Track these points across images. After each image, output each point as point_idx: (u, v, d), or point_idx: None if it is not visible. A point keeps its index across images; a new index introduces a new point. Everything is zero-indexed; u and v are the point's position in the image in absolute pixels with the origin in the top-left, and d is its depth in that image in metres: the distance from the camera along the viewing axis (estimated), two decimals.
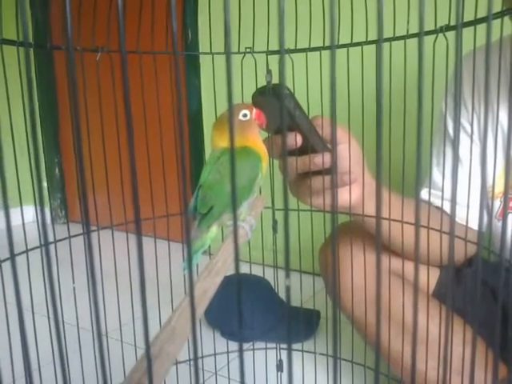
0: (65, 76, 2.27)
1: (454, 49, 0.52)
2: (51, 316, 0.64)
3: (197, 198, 0.57)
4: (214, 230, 0.58)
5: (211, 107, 0.84)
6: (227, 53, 0.18)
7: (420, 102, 0.19)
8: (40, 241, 0.61)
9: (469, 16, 0.52)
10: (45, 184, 2.36)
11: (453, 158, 0.78)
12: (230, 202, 0.56)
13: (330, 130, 0.63)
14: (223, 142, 0.57)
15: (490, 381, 0.63)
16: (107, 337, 0.67)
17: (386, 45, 0.65)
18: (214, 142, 0.59)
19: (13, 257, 0.22)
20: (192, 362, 0.89)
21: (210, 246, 0.81)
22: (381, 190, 0.20)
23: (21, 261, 0.47)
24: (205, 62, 1.79)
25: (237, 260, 0.19)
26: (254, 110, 0.58)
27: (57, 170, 2.52)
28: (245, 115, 0.57)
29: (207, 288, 0.39)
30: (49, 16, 1.99)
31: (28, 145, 0.59)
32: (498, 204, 0.83)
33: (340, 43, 0.70)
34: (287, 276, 0.19)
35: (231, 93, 0.18)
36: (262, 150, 0.58)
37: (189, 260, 0.24)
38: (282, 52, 0.18)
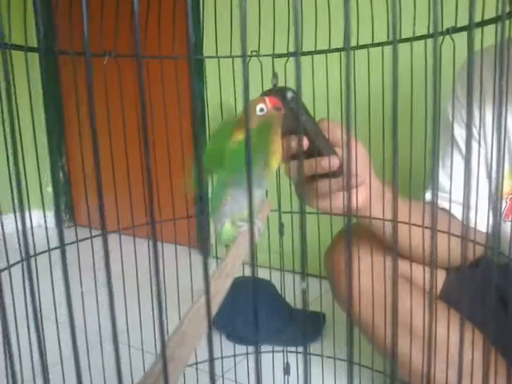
0: (70, 80, 2.28)
1: (459, 51, 0.52)
2: (59, 319, 0.64)
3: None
4: (228, 226, 0.58)
5: (217, 111, 0.84)
6: (243, 56, 0.18)
7: (435, 103, 0.19)
8: (48, 245, 0.61)
9: (476, 17, 0.52)
10: (49, 188, 2.36)
11: (464, 165, 0.78)
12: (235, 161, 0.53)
13: (337, 133, 0.63)
14: (239, 137, 0.57)
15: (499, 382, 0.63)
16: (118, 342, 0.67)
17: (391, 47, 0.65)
18: (232, 139, 0.58)
19: (28, 260, 0.22)
20: (198, 366, 0.89)
21: (216, 249, 0.81)
22: (397, 196, 0.20)
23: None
24: (208, 65, 1.79)
25: (253, 265, 0.19)
26: (268, 99, 0.56)
27: (61, 174, 2.52)
28: (261, 109, 0.56)
29: (217, 291, 0.39)
30: (54, 20, 1.99)
31: (36, 149, 0.59)
32: (504, 204, 0.83)
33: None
34: (303, 279, 0.19)
35: (248, 95, 0.18)
36: (278, 145, 0.57)
37: (204, 263, 0.24)
38: (297, 55, 0.18)
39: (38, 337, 0.22)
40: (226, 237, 0.58)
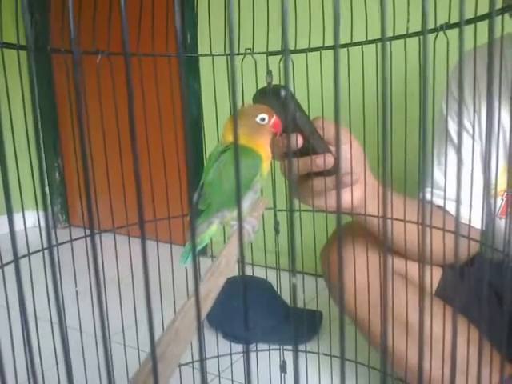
0: (63, 79, 2.26)
1: (454, 47, 0.52)
2: (54, 320, 0.64)
3: (199, 194, 0.57)
4: (214, 227, 0.59)
5: (212, 110, 0.84)
6: (231, 54, 0.18)
7: (424, 100, 0.19)
8: (42, 245, 0.61)
9: (469, 13, 0.52)
10: (46, 188, 2.36)
11: (457, 161, 0.78)
12: (228, 199, 0.56)
13: (332, 131, 0.63)
14: (232, 137, 0.57)
15: (495, 379, 0.63)
16: (110, 340, 0.67)
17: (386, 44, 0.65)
18: (224, 134, 0.59)
19: (17, 260, 0.22)
20: (194, 365, 0.89)
21: (212, 248, 0.81)
22: (387, 193, 0.20)
23: (22, 265, 0.47)
24: (204, 64, 1.79)
25: (243, 262, 0.19)
26: (274, 118, 0.57)
27: (57, 175, 2.52)
28: (262, 119, 0.56)
29: (210, 289, 0.39)
30: (48, 19, 1.98)
31: (29, 149, 0.59)
32: (499, 202, 0.83)
33: (340, 43, 0.70)
34: (293, 274, 0.18)
35: (235, 93, 0.18)
36: (266, 153, 0.57)
37: (193, 259, 0.24)
38: (285, 54, 0.18)
39: (28, 338, 0.22)
40: (208, 239, 0.59)
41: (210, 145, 0.75)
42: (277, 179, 0.79)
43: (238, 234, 0.53)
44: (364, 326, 0.85)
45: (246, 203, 0.58)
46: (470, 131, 0.82)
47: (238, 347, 1.17)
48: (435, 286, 0.87)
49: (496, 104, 0.70)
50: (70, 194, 2.55)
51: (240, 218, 0.19)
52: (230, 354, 0.99)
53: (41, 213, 0.81)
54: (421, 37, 0.64)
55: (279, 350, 0.95)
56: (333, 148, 0.64)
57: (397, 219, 0.71)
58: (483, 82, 0.76)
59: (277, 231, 0.83)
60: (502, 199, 0.83)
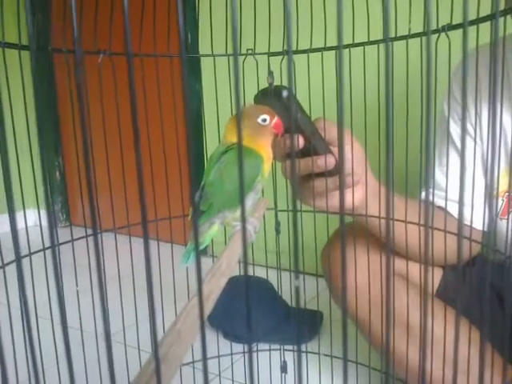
0: (65, 79, 2.26)
1: (456, 48, 0.52)
2: (54, 319, 0.64)
3: (200, 195, 0.57)
4: (215, 228, 0.59)
5: (213, 110, 0.84)
6: (234, 54, 0.18)
7: (428, 101, 0.19)
8: (43, 244, 0.61)
9: (471, 15, 0.52)
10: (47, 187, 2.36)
11: (460, 164, 0.78)
12: (229, 200, 0.56)
13: (333, 132, 0.63)
14: (233, 138, 0.57)
15: (497, 382, 0.63)
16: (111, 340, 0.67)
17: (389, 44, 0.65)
18: (226, 135, 0.59)
19: (19, 260, 0.22)
20: (195, 364, 0.89)
21: (213, 248, 0.81)
22: (390, 194, 0.20)
23: (23, 264, 0.47)
24: (205, 64, 1.79)
25: (245, 263, 0.19)
26: (276, 119, 0.57)
27: (57, 174, 2.52)
28: (264, 120, 0.57)
29: (212, 290, 0.39)
30: (49, 18, 1.99)
31: (30, 148, 0.59)
32: (500, 203, 0.83)
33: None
34: (296, 277, 0.18)
35: (238, 94, 0.18)
36: (267, 154, 0.57)
37: (196, 261, 0.24)
38: (289, 54, 0.18)
39: (30, 338, 0.22)
40: (209, 240, 0.59)
41: (211, 145, 0.75)
42: (278, 180, 0.79)
43: (241, 235, 0.53)
44: (365, 327, 0.85)
45: (248, 204, 0.58)
46: (472, 133, 0.82)
47: (239, 347, 1.17)
48: (436, 286, 0.87)
49: (497, 105, 0.70)
50: (70, 194, 2.55)
51: (243, 219, 0.19)
52: (231, 354, 0.99)
53: (42, 211, 0.81)
54: (423, 38, 0.64)
55: (280, 350, 0.95)
56: (334, 149, 0.64)
57: (398, 220, 0.71)
58: (485, 82, 0.76)
59: (278, 231, 0.83)
60: (503, 200, 0.83)
